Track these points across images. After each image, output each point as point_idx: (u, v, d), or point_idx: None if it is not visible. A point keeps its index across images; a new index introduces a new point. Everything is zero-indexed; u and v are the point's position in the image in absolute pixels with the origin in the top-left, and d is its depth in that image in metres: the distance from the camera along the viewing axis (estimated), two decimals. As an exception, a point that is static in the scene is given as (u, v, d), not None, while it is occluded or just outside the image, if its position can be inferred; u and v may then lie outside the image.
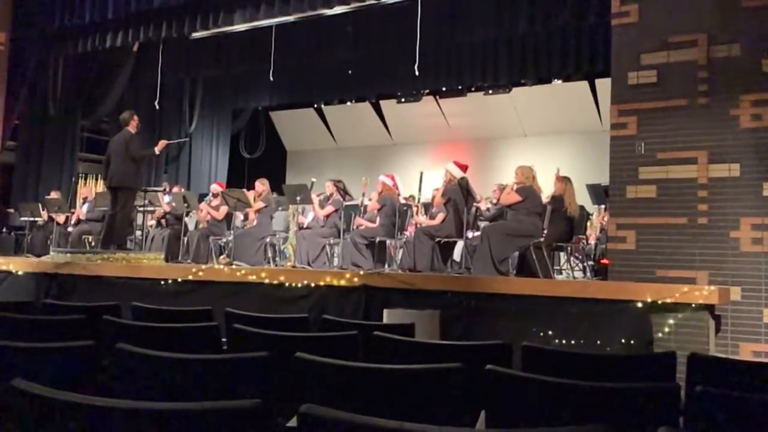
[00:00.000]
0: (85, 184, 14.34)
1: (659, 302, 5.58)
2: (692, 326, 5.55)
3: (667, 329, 5.53)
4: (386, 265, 9.21)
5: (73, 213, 12.11)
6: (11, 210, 12.79)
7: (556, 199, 8.28)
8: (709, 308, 5.61)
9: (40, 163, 13.58)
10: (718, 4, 6.52)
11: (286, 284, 7.08)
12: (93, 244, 10.83)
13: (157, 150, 9.74)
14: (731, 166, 6.33)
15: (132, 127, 9.28)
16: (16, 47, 11.76)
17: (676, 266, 6.40)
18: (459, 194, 8.47)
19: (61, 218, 11.81)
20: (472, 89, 14.22)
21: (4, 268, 8.87)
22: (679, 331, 5.52)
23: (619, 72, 6.95)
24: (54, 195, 12.05)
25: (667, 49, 6.68)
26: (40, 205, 11.72)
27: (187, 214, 10.94)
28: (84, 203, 12.15)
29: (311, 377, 2.87)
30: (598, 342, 5.65)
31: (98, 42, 11.13)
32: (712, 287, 5.69)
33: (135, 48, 12.37)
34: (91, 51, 11.49)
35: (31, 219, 11.67)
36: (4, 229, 12.74)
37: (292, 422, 2.74)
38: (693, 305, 5.54)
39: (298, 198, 9.60)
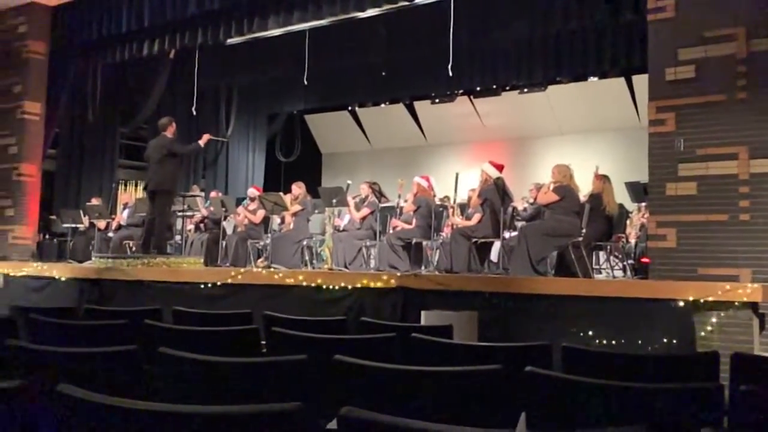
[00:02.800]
0: (125, 190, 14.55)
1: (701, 301, 5.50)
2: (736, 325, 5.45)
3: (709, 328, 5.45)
4: (423, 267, 9.21)
5: (113, 219, 12.29)
6: (53, 217, 13.01)
7: (595, 198, 8.21)
8: (753, 306, 5.50)
9: (80, 170, 13.81)
10: (757, -4, 6.41)
11: (324, 287, 7.11)
12: (134, 249, 10.99)
13: (201, 143, 9.78)
14: (773, 162, 6.22)
15: (169, 133, 9.38)
16: (55, 57, 11.98)
17: (718, 264, 6.29)
18: (495, 194, 8.43)
19: (102, 224, 11.99)
20: (507, 88, 14.12)
21: (47, 274, 9.02)
22: (722, 330, 5.43)
23: (656, 68, 6.86)
24: (95, 201, 12.25)
25: (704, 44, 6.57)
26: (81, 212, 11.91)
27: (225, 218, 11.04)
28: (124, 209, 12.32)
29: (350, 379, 2.87)
30: (640, 342, 5.59)
31: (135, 50, 11.27)
32: (756, 285, 5.58)
33: (171, 55, 12.51)
34: (129, 59, 11.64)
35: (73, 225, 11.87)
36: (46, 236, 12.97)
37: (332, 424, 2.75)
38: (736, 303, 5.45)
39: (334, 201, 9.64)
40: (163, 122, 9.51)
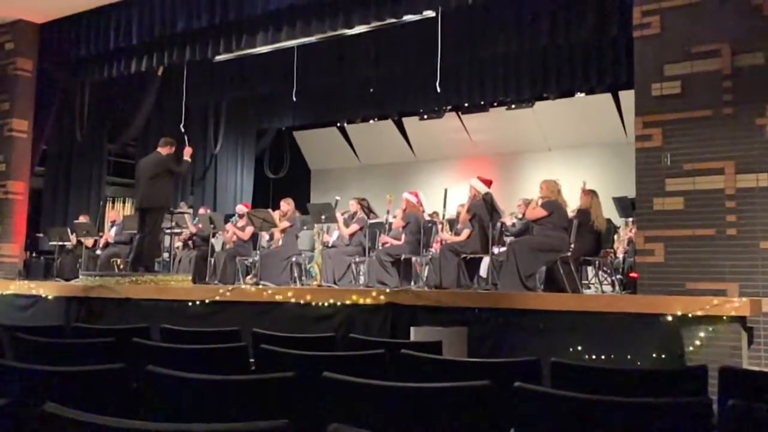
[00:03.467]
0: (113, 207, 14.49)
1: (689, 315, 5.51)
2: (724, 339, 5.47)
3: (698, 342, 5.46)
4: (412, 283, 9.21)
5: (101, 236, 12.24)
6: (40, 235, 12.94)
7: (583, 213, 8.24)
8: (741, 320, 5.52)
9: (68, 187, 13.76)
10: (740, 13, 6.47)
11: (313, 303, 7.09)
12: (121, 266, 10.94)
13: (188, 158, 9.67)
14: (759, 176, 6.25)
15: (164, 152, 9.27)
16: (43, 74, 11.96)
17: (706, 278, 6.32)
18: (484, 210, 8.45)
19: (89, 242, 11.93)
20: (495, 104, 14.20)
21: (34, 292, 8.97)
22: (711, 344, 5.44)
23: (642, 84, 6.91)
24: (82, 219, 12.19)
25: (690, 60, 6.63)
26: (68, 230, 11.85)
27: (213, 235, 11.01)
28: (112, 226, 12.28)
29: (339, 396, 2.87)
30: (628, 356, 5.59)
31: (123, 67, 11.25)
32: (744, 299, 5.61)
33: (159, 72, 12.50)
34: (117, 76, 11.63)
35: (60, 243, 11.81)
36: (33, 254, 12.89)
37: (321, 442, 2.73)
38: (724, 317, 5.47)
39: (323, 217, 9.64)
40: (163, 140, 9.39)
